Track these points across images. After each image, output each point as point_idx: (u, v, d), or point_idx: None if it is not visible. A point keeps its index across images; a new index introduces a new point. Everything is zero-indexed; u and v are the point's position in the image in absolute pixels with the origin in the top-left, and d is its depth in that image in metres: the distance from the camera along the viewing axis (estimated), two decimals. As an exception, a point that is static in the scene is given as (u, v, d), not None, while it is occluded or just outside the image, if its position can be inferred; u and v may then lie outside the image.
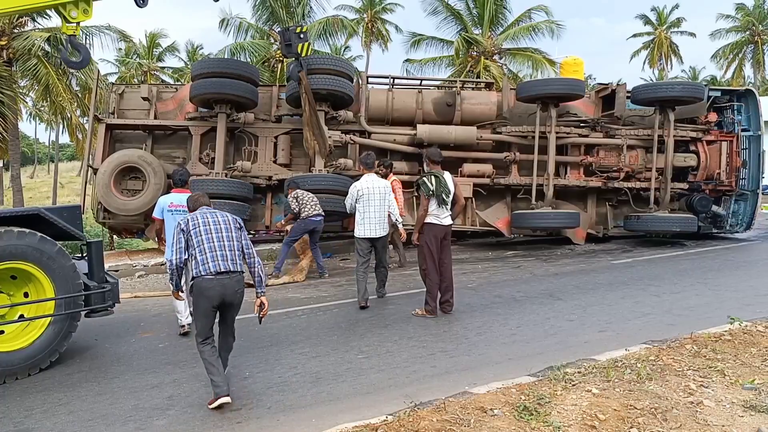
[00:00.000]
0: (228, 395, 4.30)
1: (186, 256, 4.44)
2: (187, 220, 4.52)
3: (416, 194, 6.65)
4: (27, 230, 5.11)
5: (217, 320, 4.65)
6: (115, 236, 13.24)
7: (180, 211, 6.24)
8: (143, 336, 6.45)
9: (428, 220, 6.44)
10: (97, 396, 4.66)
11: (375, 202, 7.11)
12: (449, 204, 6.50)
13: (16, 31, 21.66)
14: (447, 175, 6.55)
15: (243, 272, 4.53)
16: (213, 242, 4.40)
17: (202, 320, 4.43)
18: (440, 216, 6.44)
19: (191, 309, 4.75)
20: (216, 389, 4.29)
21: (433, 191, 6.32)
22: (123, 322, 6.95)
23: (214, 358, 4.42)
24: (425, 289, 6.60)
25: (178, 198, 6.42)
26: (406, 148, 11.35)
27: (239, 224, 4.63)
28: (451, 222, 6.61)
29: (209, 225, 4.47)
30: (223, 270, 4.35)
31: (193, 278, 4.41)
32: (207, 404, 4.36)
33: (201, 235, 4.41)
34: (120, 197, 10.70)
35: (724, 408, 3.67)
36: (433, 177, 6.38)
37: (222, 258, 4.37)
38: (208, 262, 4.33)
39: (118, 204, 10.65)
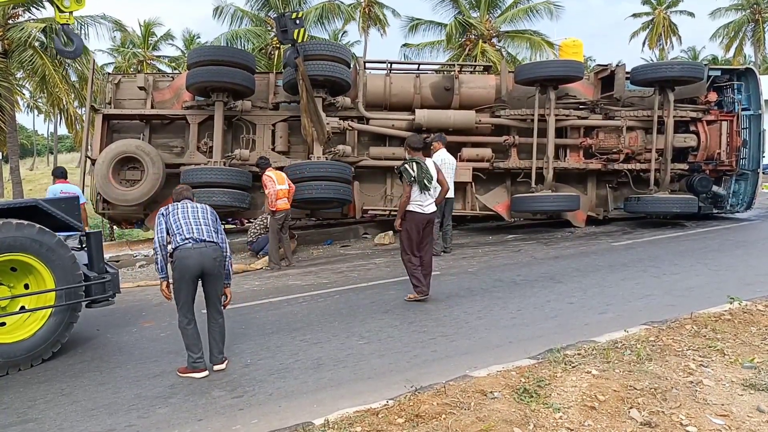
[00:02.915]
0: (206, 370, 4.71)
1: (166, 236, 4.79)
2: (168, 207, 4.92)
3: (399, 182, 6.61)
4: (25, 222, 5.10)
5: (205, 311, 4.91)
6: (115, 227, 13.23)
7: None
8: (145, 325, 6.48)
9: (411, 207, 6.37)
10: (100, 386, 4.68)
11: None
12: (431, 190, 6.45)
13: (10, 22, 21.51)
14: (429, 162, 6.58)
15: (219, 245, 4.81)
16: (189, 219, 4.79)
17: (184, 294, 4.67)
18: (423, 204, 6.39)
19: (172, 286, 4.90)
20: (194, 364, 4.69)
21: (414, 177, 6.27)
22: (124, 312, 6.98)
23: (197, 338, 4.74)
24: (409, 274, 6.57)
25: (66, 187, 8.69)
26: (404, 133, 11.24)
27: (215, 216, 5.01)
28: (434, 209, 6.58)
29: (187, 209, 4.88)
30: (198, 238, 4.68)
31: (172, 251, 4.68)
32: (177, 371, 4.74)
33: (179, 218, 4.79)
34: (118, 187, 10.68)
35: (724, 387, 3.68)
36: (414, 163, 6.35)
37: (198, 231, 4.72)
38: (184, 233, 4.68)
39: (116, 194, 10.63)
